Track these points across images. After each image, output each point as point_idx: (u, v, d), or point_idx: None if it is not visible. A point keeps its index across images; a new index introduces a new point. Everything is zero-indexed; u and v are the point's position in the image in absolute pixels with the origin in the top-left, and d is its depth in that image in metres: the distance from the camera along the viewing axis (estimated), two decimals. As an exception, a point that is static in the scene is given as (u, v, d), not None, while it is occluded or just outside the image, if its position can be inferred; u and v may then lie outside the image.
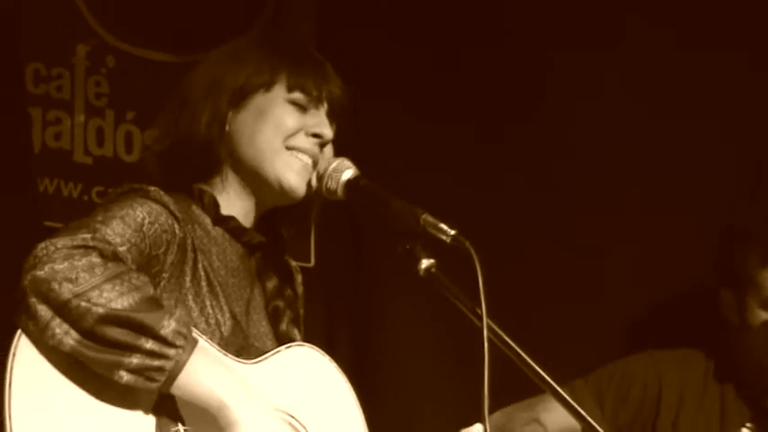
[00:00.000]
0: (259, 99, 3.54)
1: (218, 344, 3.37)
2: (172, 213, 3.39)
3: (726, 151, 5.28)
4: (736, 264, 4.69)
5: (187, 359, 3.18)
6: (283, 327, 3.65)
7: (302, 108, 3.55)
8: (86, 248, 3.18)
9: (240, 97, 3.54)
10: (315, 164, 3.56)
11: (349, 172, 3.53)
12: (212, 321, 3.42)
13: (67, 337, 3.12)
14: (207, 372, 3.23)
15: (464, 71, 5.21)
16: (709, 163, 5.28)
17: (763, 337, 4.65)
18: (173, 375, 3.17)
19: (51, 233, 3.22)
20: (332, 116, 3.58)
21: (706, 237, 5.05)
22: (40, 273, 3.12)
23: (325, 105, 3.58)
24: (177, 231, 3.39)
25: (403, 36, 5.17)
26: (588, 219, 5.25)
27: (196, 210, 3.54)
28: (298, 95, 3.54)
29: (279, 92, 3.54)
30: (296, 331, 3.65)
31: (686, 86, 5.31)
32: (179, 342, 3.17)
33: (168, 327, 3.16)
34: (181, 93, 3.61)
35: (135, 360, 3.14)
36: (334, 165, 3.54)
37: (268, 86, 3.54)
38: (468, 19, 5.23)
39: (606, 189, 5.25)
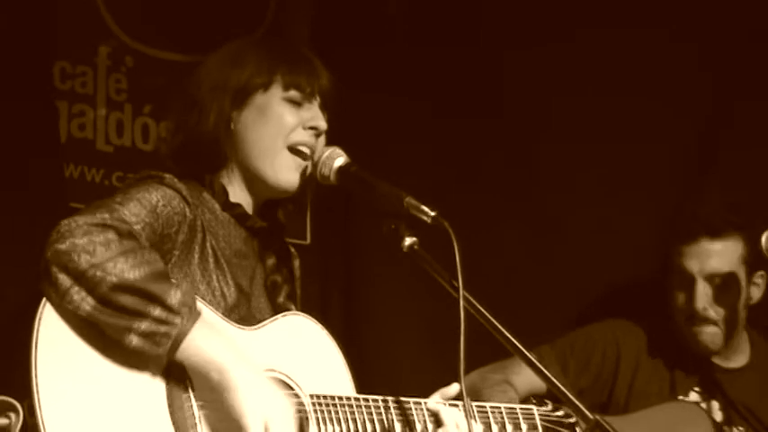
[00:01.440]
0: (259, 98, 3.56)
1: (223, 313, 3.38)
2: (184, 198, 3.41)
3: (677, 139, 5.27)
4: (668, 252, 4.69)
5: (190, 327, 3.19)
6: (280, 299, 3.66)
7: (297, 104, 3.56)
8: (104, 226, 3.19)
9: (242, 97, 3.55)
10: (312, 153, 3.55)
11: (340, 159, 3.56)
12: (218, 293, 3.43)
13: (84, 302, 3.15)
14: (207, 340, 3.23)
15: (440, 63, 5.15)
16: (661, 150, 5.24)
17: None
18: (177, 342, 3.19)
19: (74, 212, 3.22)
20: (324, 106, 3.59)
21: (656, 217, 5.08)
22: (61, 246, 3.15)
23: (318, 98, 3.59)
24: (188, 214, 3.41)
25: (386, 37, 5.12)
26: (555, 198, 5.23)
27: (206, 196, 3.55)
28: (293, 93, 3.56)
29: (276, 91, 3.56)
30: (291, 305, 3.66)
31: (647, 74, 5.26)
32: (184, 311, 3.19)
33: (175, 297, 3.18)
34: (189, 92, 3.60)
35: (144, 325, 3.16)
36: (327, 153, 3.56)
37: (266, 86, 3.55)
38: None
39: (570, 170, 5.22)
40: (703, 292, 4.60)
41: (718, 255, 4.59)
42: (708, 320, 4.61)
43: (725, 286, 4.61)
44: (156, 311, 3.17)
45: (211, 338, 3.25)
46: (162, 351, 3.20)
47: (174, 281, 3.29)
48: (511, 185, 5.22)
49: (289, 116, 3.55)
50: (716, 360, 4.70)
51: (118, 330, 3.16)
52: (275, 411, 3.29)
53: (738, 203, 4.80)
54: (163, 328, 3.18)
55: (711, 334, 4.63)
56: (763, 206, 4.85)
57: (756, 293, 4.68)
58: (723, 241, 4.58)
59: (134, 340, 3.17)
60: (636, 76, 5.25)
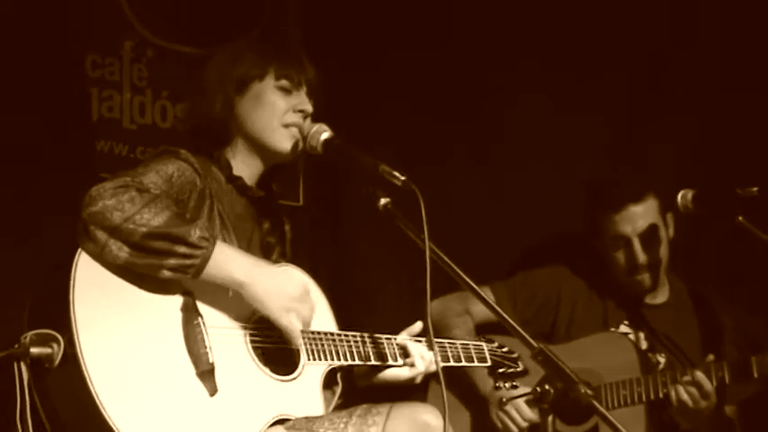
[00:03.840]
0: (256, 87, 3.58)
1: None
2: (195, 170, 3.45)
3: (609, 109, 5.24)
4: (599, 221, 4.66)
5: (210, 255, 3.25)
6: (273, 257, 3.68)
7: (288, 91, 3.59)
8: (127, 187, 3.24)
9: (242, 86, 3.58)
10: (301, 131, 3.58)
11: (326, 134, 3.57)
12: None
13: (121, 251, 3.20)
14: (226, 260, 3.29)
15: (412, 51, 5.10)
16: (597, 118, 5.23)
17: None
18: (201, 267, 3.25)
19: (103, 180, 3.26)
20: (309, 94, 3.60)
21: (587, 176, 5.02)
22: (94, 208, 3.19)
23: (305, 87, 3.61)
24: (198, 183, 3.45)
25: (369, 33, 5.06)
26: (508, 159, 5.19)
27: (214, 169, 3.56)
28: (284, 82, 3.59)
29: (269, 80, 3.59)
30: (283, 261, 3.66)
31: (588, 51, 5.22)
32: (203, 244, 3.25)
33: (195, 235, 3.25)
34: (199, 83, 3.63)
35: (172, 261, 3.23)
36: (315, 128, 3.57)
37: (261, 77, 3.58)
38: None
39: (522, 138, 5.18)
40: (640, 249, 4.57)
41: (643, 214, 4.57)
42: (646, 269, 4.59)
43: (653, 237, 4.58)
44: (182, 249, 3.22)
45: (228, 258, 3.30)
46: (190, 277, 3.25)
47: (191, 220, 3.33)
48: (472, 153, 5.17)
49: (280, 102, 3.58)
50: (642, 298, 4.70)
51: (152, 268, 3.22)
52: (294, 292, 3.39)
53: (641, 167, 4.84)
54: (188, 261, 3.23)
55: (649, 278, 4.61)
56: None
57: (671, 231, 4.65)
58: (644, 203, 4.56)
59: (166, 273, 3.23)
60: (580, 49, 5.21)
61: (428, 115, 5.09)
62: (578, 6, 5.15)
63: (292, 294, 3.38)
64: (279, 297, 3.35)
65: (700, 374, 4.29)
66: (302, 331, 3.45)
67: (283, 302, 3.36)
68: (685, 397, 4.30)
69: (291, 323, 3.37)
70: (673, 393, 4.33)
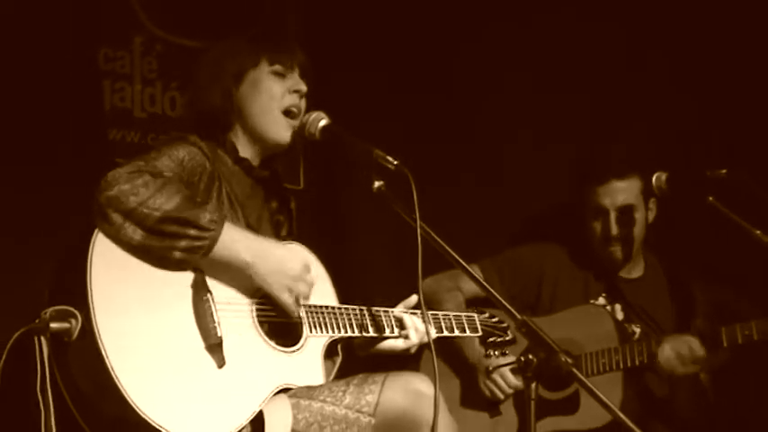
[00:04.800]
0: (251, 74, 3.57)
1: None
2: (204, 154, 3.44)
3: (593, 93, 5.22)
4: (584, 192, 4.67)
5: (218, 236, 3.25)
6: (283, 233, 3.69)
7: (282, 75, 3.58)
8: (141, 172, 3.24)
9: (238, 76, 3.56)
10: (299, 113, 3.58)
11: (324, 121, 3.57)
12: None
13: (136, 234, 3.20)
14: (233, 241, 3.29)
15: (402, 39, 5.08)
16: (580, 99, 5.21)
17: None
18: (210, 248, 3.25)
19: (117, 166, 3.28)
20: (302, 76, 3.61)
21: (573, 155, 5.04)
22: (111, 192, 3.19)
23: (297, 69, 3.60)
24: (207, 166, 3.44)
25: (362, 28, 5.04)
26: (494, 144, 5.18)
27: (221, 152, 3.54)
28: (277, 67, 3.58)
29: (264, 67, 3.58)
30: (290, 238, 3.65)
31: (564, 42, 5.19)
32: (212, 227, 3.25)
33: (204, 218, 3.25)
34: (199, 75, 3.62)
35: (184, 243, 3.23)
36: (313, 116, 3.57)
37: (255, 64, 3.57)
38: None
39: (507, 118, 5.18)
40: (614, 222, 4.59)
41: (624, 191, 4.57)
42: (619, 241, 4.60)
43: (629, 214, 4.59)
44: (192, 231, 3.22)
45: (236, 239, 3.30)
46: (199, 258, 3.25)
47: (201, 204, 3.31)
48: (460, 136, 5.16)
49: (276, 86, 3.57)
50: (619, 272, 4.70)
51: (164, 250, 3.22)
52: (295, 271, 3.39)
53: (634, 149, 4.81)
54: (198, 243, 3.24)
55: (620, 251, 4.62)
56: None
57: (651, 216, 4.66)
58: (627, 180, 4.56)
59: (178, 255, 3.23)
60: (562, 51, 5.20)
61: (413, 95, 5.07)
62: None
63: (293, 272, 3.38)
64: (280, 275, 3.36)
65: (695, 342, 4.30)
66: (305, 305, 3.47)
67: (284, 280, 3.36)
68: (672, 360, 4.34)
69: (290, 299, 3.38)
70: (663, 357, 4.35)
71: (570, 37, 5.17)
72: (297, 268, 3.40)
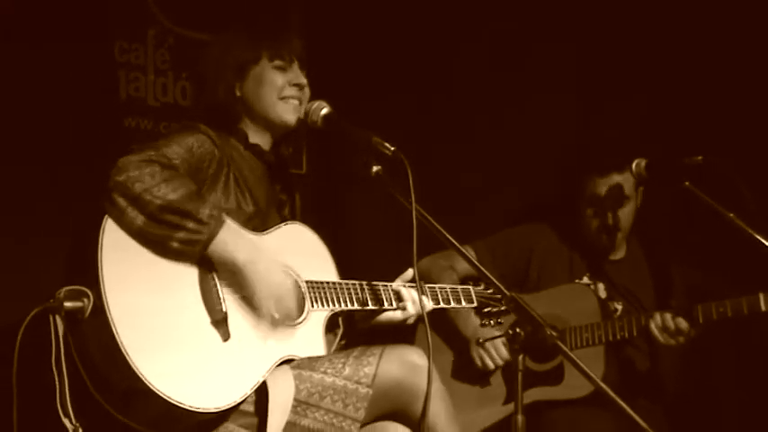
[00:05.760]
0: (254, 69, 3.56)
1: (242, 223, 3.38)
2: (213, 141, 3.42)
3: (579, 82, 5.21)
4: (583, 180, 4.64)
5: (216, 233, 3.23)
6: (285, 213, 3.68)
7: (282, 69, 3.57)
8: (150, 161, 3.22)
9: (241, 71, 3.55)
10: (301, 102, 3.57)
11: (325, 110, 3.56)
12: (237, 209, 3.44)
13: (137, 219, 3.18)
14: (229, 242, 3.25)
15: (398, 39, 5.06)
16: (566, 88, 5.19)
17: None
18: (206, 244, 3.22)
19: (131, 151, 3.25)
20: (301, 67, 3.60)
21: (560, 143, 5.03)
22: (119, 178, 3.18)
23: (296, 62, 3.59)
24: (216, 153, 3.42)
25: (360, 23, 5.02)
26: (485, 129, 5.16)
27: (233, 140, 3.54)
28: (278, 62, 3.57)
29: (265, 62, 3.56)
30: (293, 218, 3.67)
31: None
32: (211, 222, 3.22)
33: (204, 212, 3.22)
34: (203, 71, 3.60)
35: (181, 234, 3.20)
36: (315, 105, 3.56)
37: (257, 60, 3.56)
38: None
39: (498, 107, 5.16)
40: (609, 211, 4.57)
41: (622, 184, 4.55)
42: (609, 230, 4.59)
43: (622, 204, 4.57)
44: (190, 224, 3.19)
45: (232, 240, 3.26)
46: (196, 252, 3.23)
47: (203, 198, 3.29)
48: (455, 127, 5.14)
49: (278, 79, 3.56)
50: (603, 254, 4.69)
51: (162, 238, 3.19)
52: (281, 290, 3.32)
53: (630, 142, 4.77)
54: (195, 236, 3.21)
55: (607, 239, 4.61)
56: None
57: (638, 202, 4.64)
58: (625, 174, 4.51)
59: (174, 245, 3.20)
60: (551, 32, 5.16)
61: (407, 84, 5.06)
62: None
63: (278, 287, 3.33)
64: (266, 285, 3.30)
65: (682, 321, 4.30)
66: (307, 282, 3.47)
67: (268, 291, 3.30)
68: (657, 332, 4.32)
69: (268, 310, 3.32)
70: (655, 329, 4.33)
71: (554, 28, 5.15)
72: (283, 284, 3.33)
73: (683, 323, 4.25)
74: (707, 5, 4.93)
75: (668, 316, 4.29)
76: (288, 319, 3.38)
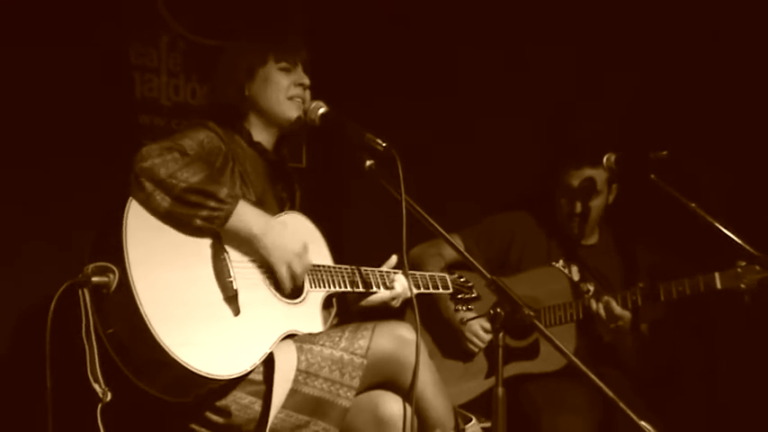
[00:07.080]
0: (261, 71, 3.61)
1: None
2: (220, 138, 3.49)
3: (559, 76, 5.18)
4: (559, 172, 4.65)
5: (233, 210, 3.30)
6: (286, 208, 3.72)
7: (288, 70, 3.63)
8: (171, 149, 3.30)
9: (250, 72, 3.61)
10: (304, 101, 3.62)
11: (322, 109, 3.61)
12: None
13: (164, 201, 3.25)
14: (244, 216, 3.32)
15: (392, 41, 5.01)
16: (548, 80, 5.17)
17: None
18: (225, 219, 3.30)
19: (145, 146, 3.31)
20: (305, 69, 3.66)
21: (542, 134, 5.05)
22: (145, 164, 3.25)
23: (300, 65, 3.65)
24: (223, 148, 3.48)
25: (361, 25, 4.99)
26: (474, 123, 5.12)
27: (237, 138, 3.58)
28: (283, 64, 3.63)
29: (271, 64, 3.63)
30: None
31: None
32: (229, 200, 3.29)
33: (223, 192, 3.30)
34: (216, 73, 3.65)
35: (204, 212, 3.28)
36: (314, 104, 3.61)
37: (264, 62, 3.62)
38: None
39: (485, 98, 5.14)
40: (578, 201, 4.60)
41: (593, 178, 4.58)
42: (579, 217, 4.63)
43: (592, 196, 4.60)
44: (212, 203, 3.26)
45: (248, 214, 3.32)
46: (216, 226, 3.28)
47: (219, 181, 3.33)
48: (444, 121, 5.12)
49: (283, 80, 3.63)
50: (575, 240, 4.75)
51: (187, 217, 3.26)
52: (296, 249, 3.40)
53: (607, 139, 4.75)
54: (216, 213, 3.27)
55: (577, 226, 4.65)
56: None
57: (611, 198, 4.69)
58: (598, 169, 4.55)
59: (198, 222, 3.27)
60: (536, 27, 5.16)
61: (400, 81, 5.02)
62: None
63: (293, 250, 3.40)
64: (282, 250, 3.38)
65: (612, 301, 4.34)
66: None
67: (285, 255, 3.38)
68: (603, 314, 4.36)
69: (286, 273, 3.40)
70: (596, 313, 4.38)
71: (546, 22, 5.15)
72: (297, 247, 3.41)
73: (617, 309, 4.27)
74: (684, 7, 4.97)
75: (610, 301, 4.30)
76: (306, 272, 3.42)
